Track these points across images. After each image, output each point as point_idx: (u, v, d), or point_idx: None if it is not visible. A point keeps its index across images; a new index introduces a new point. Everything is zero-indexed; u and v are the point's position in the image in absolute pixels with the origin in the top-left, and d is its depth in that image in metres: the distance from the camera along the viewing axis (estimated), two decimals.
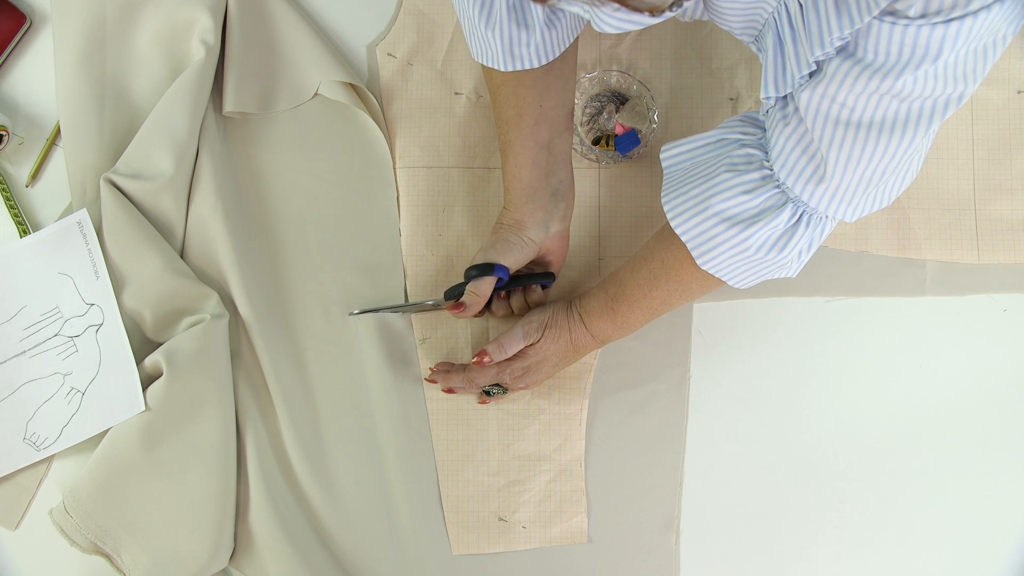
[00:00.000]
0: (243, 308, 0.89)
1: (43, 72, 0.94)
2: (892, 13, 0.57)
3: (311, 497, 0.89)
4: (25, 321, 0.90)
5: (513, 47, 0.77)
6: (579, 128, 0.93)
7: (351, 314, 0.90)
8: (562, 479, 0.91)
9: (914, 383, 0.92)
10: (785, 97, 0.68)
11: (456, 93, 0.94)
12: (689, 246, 0.74)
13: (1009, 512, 0.90)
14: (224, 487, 0.87)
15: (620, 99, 0.93)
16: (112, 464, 0.86)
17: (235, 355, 0.90)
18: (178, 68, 0.92)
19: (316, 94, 0.93)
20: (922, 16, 0.56)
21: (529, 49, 0.77)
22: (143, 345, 0.90)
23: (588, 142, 0.93)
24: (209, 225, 0.90)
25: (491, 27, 0.76)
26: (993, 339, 0.92)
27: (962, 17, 0.56)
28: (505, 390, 0.87)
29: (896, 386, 0.92)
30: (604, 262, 0.93)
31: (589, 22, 0.68)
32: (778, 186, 0.71)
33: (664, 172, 0.78)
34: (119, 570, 0.87)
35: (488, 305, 0.87)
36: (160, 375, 0.87)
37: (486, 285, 0.84)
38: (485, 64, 0.80)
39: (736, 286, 0.77)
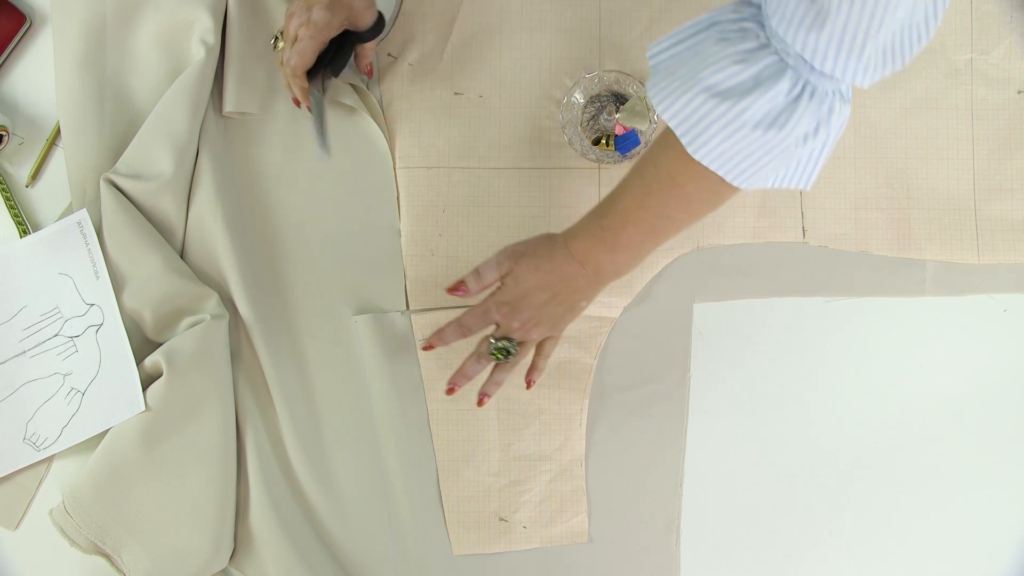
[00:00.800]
0: (243, 308, 0.89)
1: (43, 72, 0.94)
2: None
3: (311, 497, 0.89)
4: (25, 321, 0.90)
5: None
6: (579, 128, 0.93)
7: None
8: (562, 479, 0.91)
9: (914, 383, 0.92)
10: None
11: (456, 93, 0.94)
12: (678, 131, 0.65)
13: (1009, 512, 0.90)
14: (224, 487, 0.87)
15: (620, 99, 0.93)
16: (112, 464, 0.86)
17: (235, 355, 0.90)
18: (178, 68, 0.92)
19: None
20: None
21: None
22: (143, 345, 0.90)
23: (588, 142, 0.93)
24: (209, 225, 0.90)
25: None
26: (993, 339, 0.92)
27: None
28: (510, 347, 0.80)
29: (896, 386, 0.92)
30: None
31: None
32: (776, 53, 0.62)
33: (651, 69, 0.70)
34: (119, 570, 0.87)
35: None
36: (160, 375, 0.87)
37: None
38: None
39: (737, 183, 0.67)
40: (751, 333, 0.92)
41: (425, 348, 0.84)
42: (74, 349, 0.89)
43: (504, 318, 0.80)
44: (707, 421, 0.91)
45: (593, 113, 0.94)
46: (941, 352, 0.92)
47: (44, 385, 0.89)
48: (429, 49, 0.94)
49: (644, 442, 0.91)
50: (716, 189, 0.69)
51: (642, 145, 0.91)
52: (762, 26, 0.63)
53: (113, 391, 0.88)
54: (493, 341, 0.81)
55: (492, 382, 0.84)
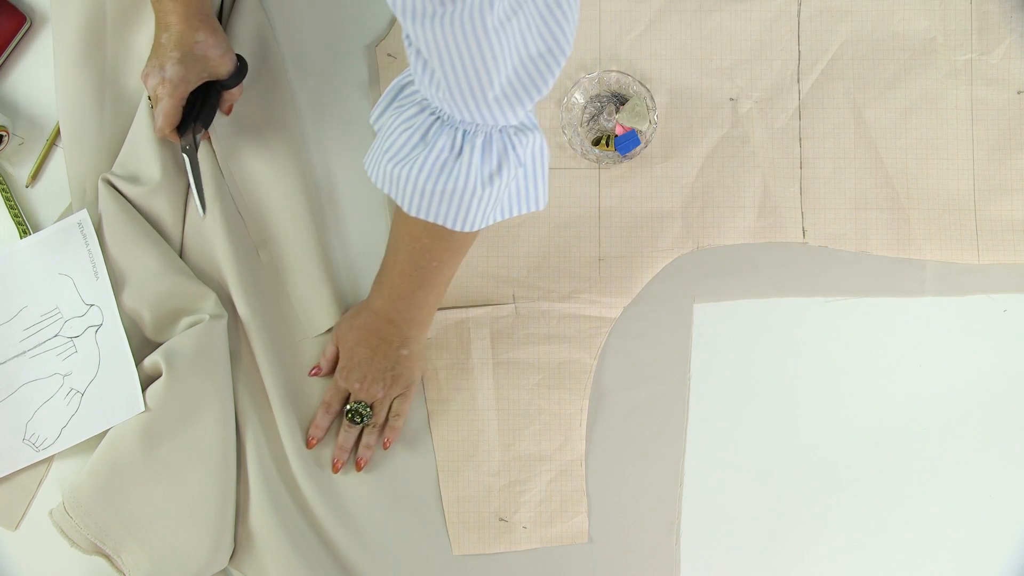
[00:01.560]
0: (241, 308, 0.89)
1: (43, 72, 0.94)
2: None
3: (311, 497, 0.89)
4: (25, 322, 0.90)
5: None
6: (579, 128, 0.93)
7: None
8: (562, 479, 0.91)
9: (914, 383, 0.92)
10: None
11: None
12: (394, 196, 0.71)
13: (1009, 512, 0.90)
14: (224, 487, 0.87)
15: (620, 99, 0.93)
16: (112, 464, 0.86)
17: (234, 355, 0.90)
18: None
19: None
20: None
21: None
22: (142, 346, 0.90)
23: (588, 143, 0.93)
24: (207, 225, 0.90)
25: None
26: (993, 339, 0.92)
27: None
28: (361, 408, 0.87)
29: (896, 386, 0.92)
30: (604, 262, 0.93)
31: None
32: (433, 113, 0.68)
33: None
34: (119, 570, 0.87)
35: None
36: (159, 375, 0.87)
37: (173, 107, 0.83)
38: None
39: (460, 228, 0.71)
40: (751, 333, 0.92)
41: (308, 446, 0.89)
42: (74, 349, 0.89)
43: (345, 382, 0.88)
44: (707, 421, 0.91)
45: (593, 113, 0.94)
46: (941, 352, 0.92)
47: (44, 385, 0.89)
48: None
49: (644, 442, 0.91)
50: (448, 237, 0.75)
51: (642, 145, 0.92)
52: None
53: (112, 391, 0.88)
54: (347, 407, 0.88)
55: (363, 446, 0.89)
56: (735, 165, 0.94)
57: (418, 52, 0.63)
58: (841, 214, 0.93)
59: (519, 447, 0.91)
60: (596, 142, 0.93)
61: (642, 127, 0.92)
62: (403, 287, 0.82)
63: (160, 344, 0.88)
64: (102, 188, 0.89)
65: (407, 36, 0.64)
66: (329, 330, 0.91)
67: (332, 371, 0.90)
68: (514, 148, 0.69)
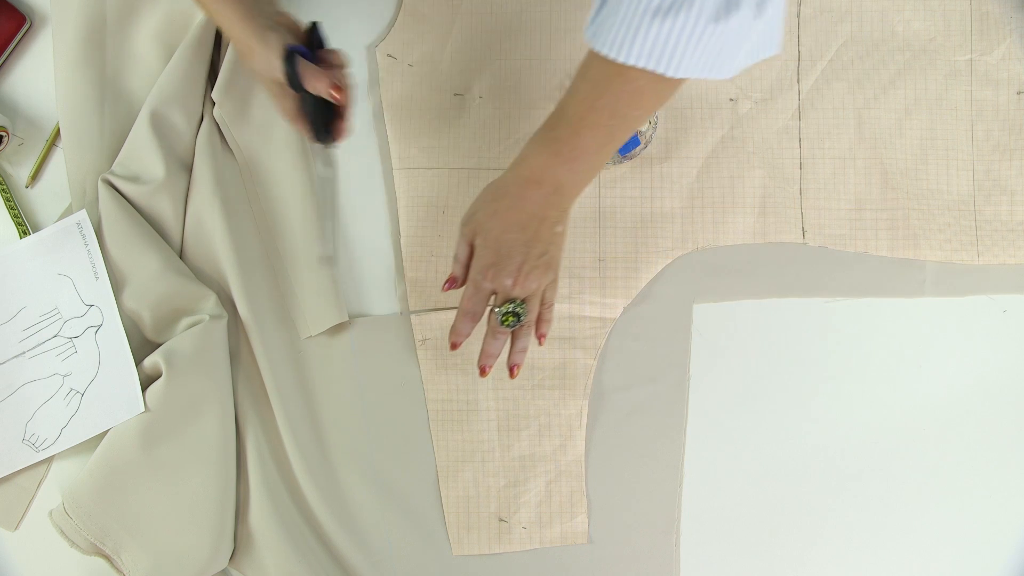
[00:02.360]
0: (242, 308, 0.89)
1: (43, 73, 0.94)
2: None
3: (311, 498, 0.89)
4: (25, 322, 0.90)
5: None
6: None
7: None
8: (562, 480, 0.91)
9: (914, 384, 0.92)
10: None
11: (456, 94, 0.94)
12: (649, 62, 0.64)
13: (1009, 512, 0.90)
14: (224, 487, 0.87)
15: None
16: (112, 465, 0.86)
17: (234, 356, 0.90)
18: None
19: None
20: None
21: None
22: (142, 346, 0.90)
23: None
24: (207, 225, 0.90)
25: None
26: (993, 340, 0.92)
27: None
28: (517, 308, 0.76)
29: (896, 387, 0.92)
30: (604, 263, 0.93)
31: None
32: None
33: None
34: (119, 571, 0.87)
35: None
36: (159, 376, 0.87)
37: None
38: None
39: (716, 75, 0.66)
40: (751, 333, 0.92)
41: (452, 348, 0.80)
42: (73, 350, 0.89)
43: (494, 281, 0.76)
44: (707, 421, 0.91)
45: None
46: (941, 353, 0.92)
47: (43, 386, 0.89)
48: (429, 50, 0.94)
49: (644, 442, 0.91)
50: (666, 81, 0.66)
51: (642, 146, 0.92)
52: None
53: (112, 392, 0.88)
54: (498, 310, 0.77)
55: (518, 351, 0.80)
56: (735, 165, 0.94)
57: None
58: (841, 214, 0.93)
59: (519, 447, 0.91)
60: None
61: (642, 127, 0.92)
62: (590, 141, 0.71)
63: (160, 344, 0.88)
64: (102, 188, 0.89)
65: None
66: (329, 329, 0.91)
67: (466, 276, 0.78)
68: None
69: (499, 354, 0.80)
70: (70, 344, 0.89)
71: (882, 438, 0.91)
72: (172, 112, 0.89)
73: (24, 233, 0.92)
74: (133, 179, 0.90)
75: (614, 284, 0.92)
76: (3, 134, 0.92)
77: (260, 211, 0.92)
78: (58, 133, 0.94)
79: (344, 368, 0.91)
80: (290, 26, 0.80)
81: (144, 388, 0.87)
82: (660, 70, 0.64)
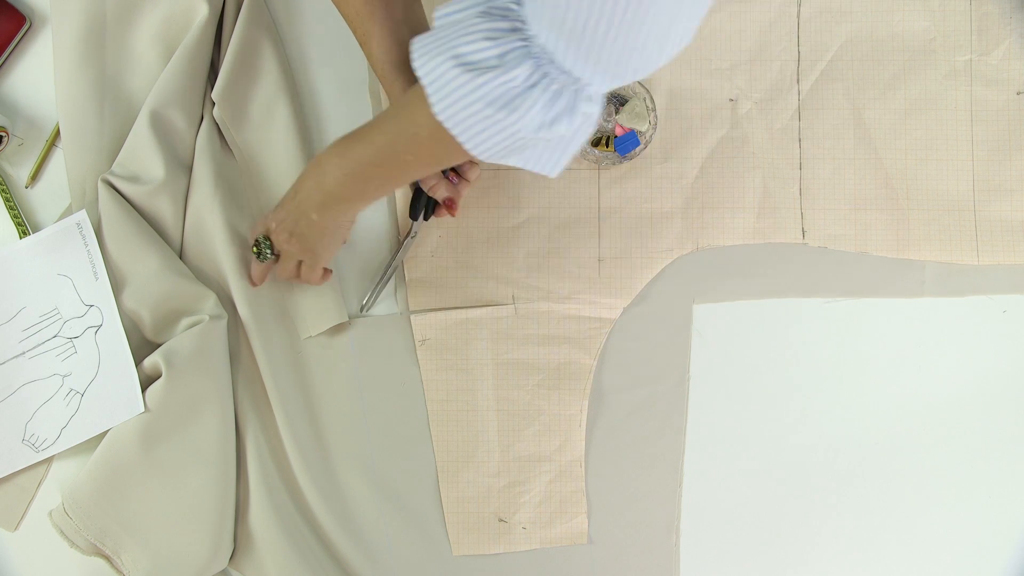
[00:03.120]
0: (241, 309, 0.89)
1: (43, 73, 0.94)
2: None
3: (311, 498, 0.89)
4: (24, 322, 0.90)
5: None
6: None
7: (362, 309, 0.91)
8: (562, 480, 0.91)
9: (914, 384, 0.92)
10: None
11: None
12: (429, 89, 0.67)
13: (1009, 512, 0.90)
14: (224, 487, 0.87)
15: (619, 100, 0.93)
16: (111, 465, 0.86)
17: (234, 356, 0.90)
18: None
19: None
20: None
21: None
22: (142, 346, 0.90)
23: (588, 143, 0.93)
24: (207, 225, 0.90)
25: None
26: (992, 340, 0.92)
27: None
28: (266, 247, 0.85)
29: (896, 387, 0.92)
30: (604, 263, 0.93)
31: None
32: (524, 39, 0.63)
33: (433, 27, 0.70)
34: (119, 571, 0.87)
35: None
36: (159, 376, 0.87)
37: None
38: None
39: (475, 153, 0.69)
40: (751, 333, 0.92)
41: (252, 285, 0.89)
42: (73, 350, 0.89)
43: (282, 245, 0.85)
44: (707, 421, 0.91)
45: None
46: (940, 353, 0.92)
47: (43, 386, 0.89)
48: None
49: (644, 442, 0.91)
50: (448, 144, 0.69)
51: (641, 146, 0.92)
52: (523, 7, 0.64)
53: (112, 392, 0.88)
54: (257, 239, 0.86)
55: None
56: (735, 165, 0.94)
57: None
58: (840, 214, 0.93)
59: (519, 448, 0.91)
60: (596, 143, 0.93)
61: (641, 128, 0.92)
62: (362, 154, 0.77)
63: (160, 345, 0.88)
64: (102, 188, 0.89)
65: None
66: (329, 329, 0.91)
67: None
68: (577, 113, 0.66)
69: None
70: (70, 344, 0.89)
71: (881, 438, 0.91)
72: (172, 112, 0.89)
73: (24, 233, 0.92)
74: (133, 179, 0.90)
75: (614, 284, 0.92)
76: (3, 134, 0.92)
77: (260, 211, 0.92)
78: (58, 133, 0.94)
79: (344, 368, 0.91)
80: None
81: (144, 388, 0.87)
82: (467, 145, 0.68)
